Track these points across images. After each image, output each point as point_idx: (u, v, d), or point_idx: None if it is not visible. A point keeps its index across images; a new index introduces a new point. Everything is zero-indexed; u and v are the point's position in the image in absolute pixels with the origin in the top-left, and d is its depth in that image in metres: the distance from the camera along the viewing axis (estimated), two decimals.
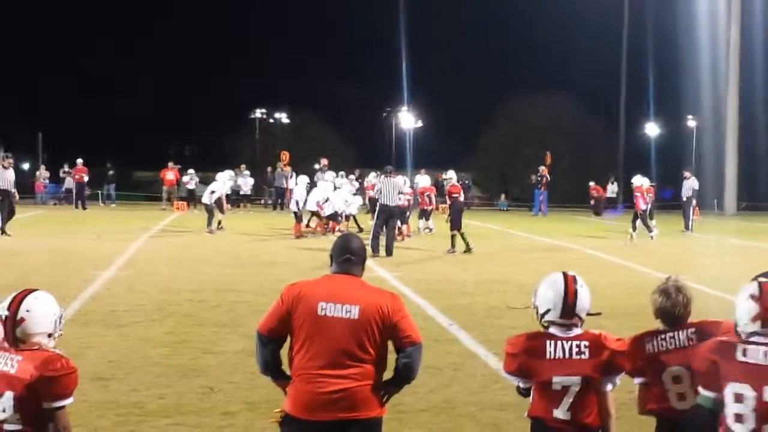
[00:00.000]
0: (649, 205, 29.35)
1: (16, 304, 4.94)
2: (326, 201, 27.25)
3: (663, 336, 5.29)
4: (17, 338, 4.91)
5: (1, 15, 49.55)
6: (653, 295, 5.39)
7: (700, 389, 4.72)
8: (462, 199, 24.29)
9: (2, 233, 25.55)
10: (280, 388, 5.51)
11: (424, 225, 30.33)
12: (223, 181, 29.98)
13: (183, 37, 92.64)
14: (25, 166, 52.22)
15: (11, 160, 27.67)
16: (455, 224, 23.26)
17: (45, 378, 4.80)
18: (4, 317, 4.93)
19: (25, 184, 41.52)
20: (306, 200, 27.74)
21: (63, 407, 4.89)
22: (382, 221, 22.57)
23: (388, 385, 5.41)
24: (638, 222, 28.59)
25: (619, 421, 5.38)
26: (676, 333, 5.28)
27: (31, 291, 5.07)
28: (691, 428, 5.00)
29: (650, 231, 28.41)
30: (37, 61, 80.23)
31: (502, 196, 57.67)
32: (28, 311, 4.93)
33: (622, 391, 5.69)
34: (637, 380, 5.31)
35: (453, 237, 23.27)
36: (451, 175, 25.17)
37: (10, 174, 26.87)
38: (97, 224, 31.42)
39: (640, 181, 29.21)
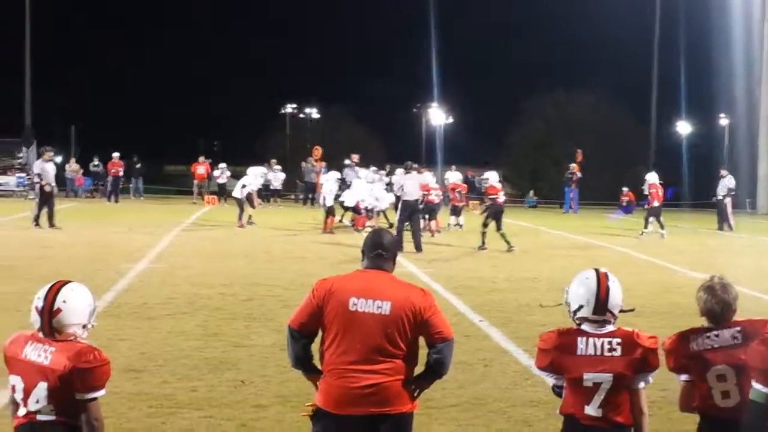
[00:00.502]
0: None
1: (52, 294, 4.97)
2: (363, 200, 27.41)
3: (708, 334, 5.25)
4: (53, 329, 4.94)
5: (36, 7, 49.79)
6: (699, 293, 5.36)
7: (754, 384, 4.73)
8: (502, 200, 23.90)
9: (37, 225, 25.70)
10: (311, 382, 5.53)
11: (455, 221, 30.28)
12: (255, 176, 30.10)
13: (216, 31, 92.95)
14: (59, 159, 52.49)
15: (51, 153, 27.86)
16: (498, 225, 23.05)
17: (78, 369, 4.82)
18: (40, 308, 4.96)
19: (59, 177, 41.74)
20: (336, 196, 27.78)
21: (95, 399, 4.91)
22: (406, 217, 22.47)
23: (420, 380, 5.43)
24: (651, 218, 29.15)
25: (652, 418, 5.34)
26: (721, 331, 5.24)
27: (66, 282, 5.09)
28: (736, 426, 4.97)
29: (646, 227, 29.08)
30: (70, 53, 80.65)
31: (531, 193, 57.52)
32: (64, 302, 4.96)
33: (654, 388, 5.66)
34: (681, 378, 5.27)
35: (483, 234, 23.14)
36: (488, 176, 24.79)
37: (51, 167, 27.04)
38: (128, 217, 31.60)
39: (654, 178, 29.61)
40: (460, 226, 30.02)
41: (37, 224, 25.75)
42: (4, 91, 64.47)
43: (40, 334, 4.97)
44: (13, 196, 46.19)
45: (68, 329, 4.97)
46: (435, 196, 27.01)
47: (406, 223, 22.61)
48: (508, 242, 23.06)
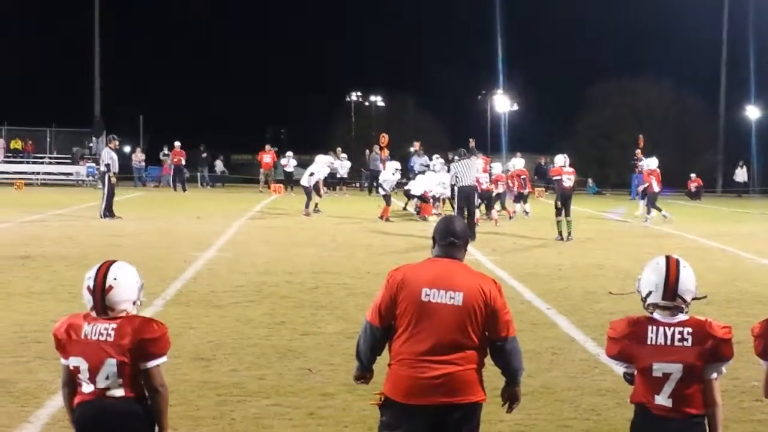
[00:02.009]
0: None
1: (102, 273, 5.08)
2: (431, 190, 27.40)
3: None
4: (106, 306, 5.05)
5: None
6: None
7: None
8: (568, 184, 23.07)
9: (111, 215, 25.94)
10: (357, 373, 5.59)
11: (521, 208, 30.10)
12: (323, 164, 30.19)
13: (280, 20, 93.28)
14: (127, 148, 53.16)
15: (117, 142, 28.18)
16: (566, 211, 22.51)
17: (144, 340, 4.98)
18: (92, 287, 5.06)
19: (125, 166, 42.30)
20: (401, 184, 27.83)
21: (158, 366, 5.06)
22: (462, 204, 21.91)
23: (507, 393, 5.50)
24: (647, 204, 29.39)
25: (723, 408, 5.23)
26: None
27: (114, 261, 5.21)
28: None
29: (649, 213, 29.17)
30: (138, 44, 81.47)
31: (589, 180, 56.78)
32: (115, 279, 5.07)
33: (725, 377, 5.57)
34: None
35: (558, 223, 22.63)
36: (556, 160, 24.40)
37: (115, 156, 27.34)
38: (195, 206, 31.90)
39: (655, 164, 29.70)
40: (527, 213, 29.82)
41: (112, 215, 25.96)
42: (74, 81, 65.46)
43: (93, 314, 5.08)
44: (83, 185, 46.91)
45: (120, 305, 5.08)
46: (487, 184, 26.77)
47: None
48: (565, 231, 22.47)
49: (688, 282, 5.08)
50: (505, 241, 22.15)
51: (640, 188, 30.18)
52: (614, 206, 27.32)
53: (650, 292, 5.08)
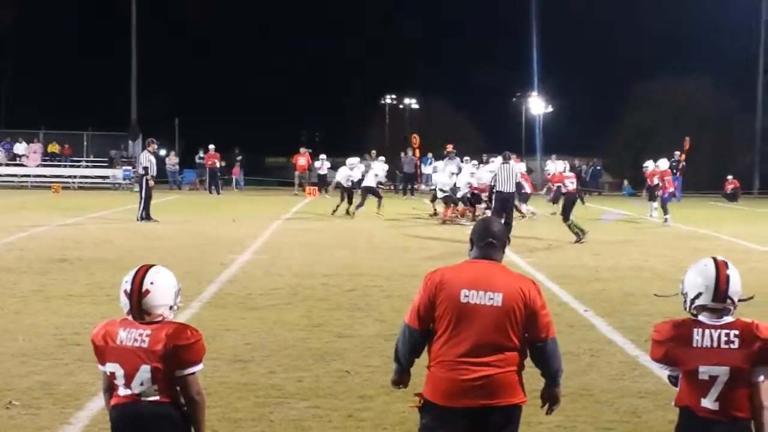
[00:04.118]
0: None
1: (140, 277, 5.07)
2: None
3: None
4: (142, 310, 5.05)
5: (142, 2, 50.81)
6: None
7: None
8: (571, 188, 23.21)
9: (149, 219, 26.11)
10: (395, 376, 5.56)
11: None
12: (383, 168, 30.20)
13: (314, 22, 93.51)
14: (162, 152, 53.47)
15: (155, 146, 28.32)
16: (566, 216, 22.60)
17: (178, 347, 4.96)
18: (129, 290, 5.06)
19: (160, 170, 42.55)
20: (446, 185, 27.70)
21: (195, 373, 5.05)
22: (500, 208, 21.73)
23: (546, 395, 5.47)
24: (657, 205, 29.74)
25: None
26: None
27: (151, 265, 5.20)
28: None
29: (651, 214, 29.75)
30: (175, 47, 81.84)
31: (625, 182, 56.33)
32: (152, 283, 5.06)
33: None
34: None
35: (570, 226, 22.48)
36: (557, 166, 25.08)
37: (154, 159, 27.45)
38: (231, 209, 32.01)
39: (665, 165, 30.23)
40: (534, 214, 29.71)
41: (149, 218, 26.13)
42: (110, 85, 65.87)
43: (130, 318, 5.08)
44: (120, 189, 47.20)
45: (157, 310, 5.08)
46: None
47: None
48: (578, 232, 22.31)
49: (736, 283, 5.02)
50: (542, 243, 22.06)
51: (660, 191, 30.09)
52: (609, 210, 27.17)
53: (699, 294, 5.01)
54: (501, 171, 21.99)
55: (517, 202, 27.45)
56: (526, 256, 19.15)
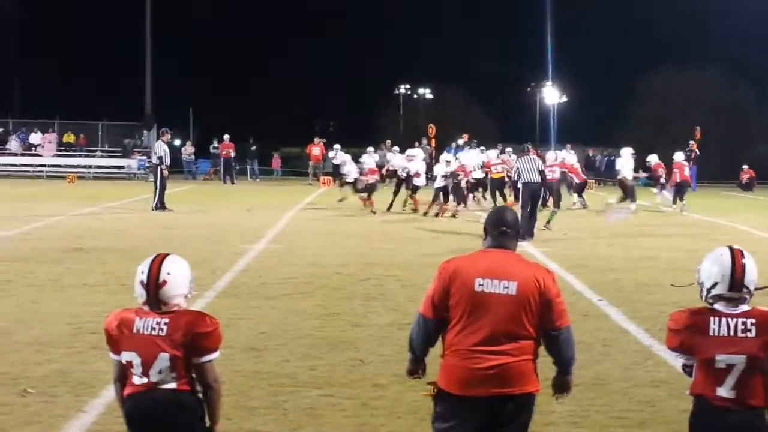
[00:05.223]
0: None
1: (156, 267, 5.09)
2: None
3: None
4: (159, 301, 5.07)
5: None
6: None
7: None
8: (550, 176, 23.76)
9: (163, 208, 26.18)
10: (410, 366, 5.58)
11: (578, 199, 29.95)
12: (420, 159, 29.45)
13: (329, 13, 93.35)
14: (176, 142, 53.51)
15: (169, 135, 28.38)
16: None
17: (196, 335, 5.00)
18: (146, 281, 5.08)
19: (175, 160, 42.63)
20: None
21: (211, 360, 5.08)
22: (527, 201, 21.08)
23: (558, 383, 5.47)
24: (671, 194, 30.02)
25: None
26: None
27: (166, 255, 5.21)
28: None
29: (674, 204, 29.66)
30: (188, 37, 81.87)
31: (640, 171, 55.93)
32: (169, 274, 5.08)
33: None
34: None
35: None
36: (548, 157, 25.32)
37: (167, 149, 27.53)
38: (245, 199, 32.06)
39: (680, 156, 30.64)
40: (585, 205, 29.62)
41: (164, 207, 26.20)
42: (125, 74, 65.88)
43: (146, 308, 5.10)
44: (135, 179, 47.29)
45: (173, 300, 5.10)
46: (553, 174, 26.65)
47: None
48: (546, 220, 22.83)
49: (752, 272, 5.01)
50: (556, 233, 22.01)
51: (671, 181, 30.22)
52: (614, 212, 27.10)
53: (715, 284, 5.00)
54: (522, 163, 21.51)
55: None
56: (540, 246, 19.13)
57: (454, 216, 25.48)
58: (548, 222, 22.68)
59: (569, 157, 30.62)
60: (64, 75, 72.92)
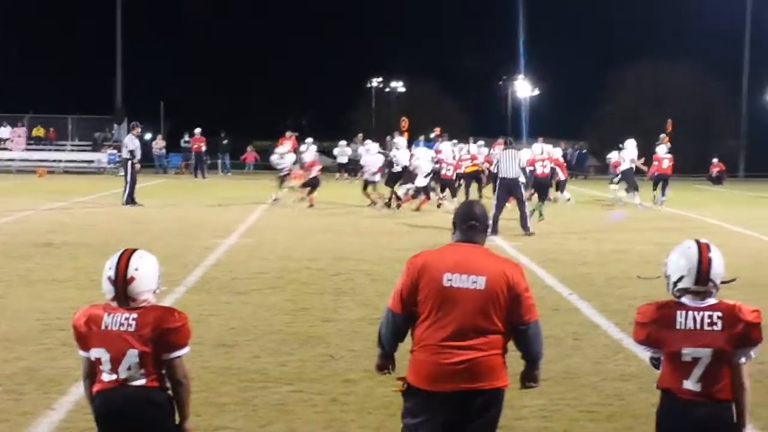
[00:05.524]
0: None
1: (124, 263, 5.03)
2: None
3: None
4: (128, 297, 5.02)
5: None
6: None
7: None
8: (540, 172, 24.41)
9: (133, 203, 26.05)
10: (379, 361, 5.56)
11: (561, 195, 29.93)
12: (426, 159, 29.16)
13: (298, 5, 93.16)
14: (148, 135, 53.23)
15: (139, 129, 28.25)
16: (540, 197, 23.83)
17: (165, 330, 4.96)
18: (113, 277, 5.02)
19: (146, 154, 42.45)
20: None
21: (181, 356, 5.05)
22: (503, 196, 21.02)
23: (527, 376, 5.46)
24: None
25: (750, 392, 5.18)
26: None
27: (134, 250, 5.16)
28: None
29: (663, 194, 29.88)
30: (160, 28, 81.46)
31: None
32: (137, 270, 5.03)
33: (752, 362, 5.49)
34: None
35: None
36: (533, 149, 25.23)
37: (138, 142, 27.40)
38: (216, 193, 31.95)
39: (663, 150, 30.80)
40: (569, 199, 29.50)
41: (134, 202, 26.07)
42: (95, 68, 65.56)
43: (114, 304, 5.05)
44: (105, 173, 47.04)
45: (142, 296, 5.06)
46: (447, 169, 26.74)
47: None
48: (540, 213, 23.16)
49: (718, 266, 5.03)
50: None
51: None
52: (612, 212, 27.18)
53: (682, 277, 5.02)
54: (503, 157, 21.37)
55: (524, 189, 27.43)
56: (511, 240, 19.17)
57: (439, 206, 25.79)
58: (535, 213, 22.91)
59: (555, 151, 30.53)
60: (34, 68, 72.34)
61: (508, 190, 20.93)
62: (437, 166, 26.97)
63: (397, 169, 27.53)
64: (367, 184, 27.78)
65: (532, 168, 24.05)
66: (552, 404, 7.89)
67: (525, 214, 20.65)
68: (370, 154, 28.67)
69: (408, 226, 21.66)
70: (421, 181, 25.94)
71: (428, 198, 26.23)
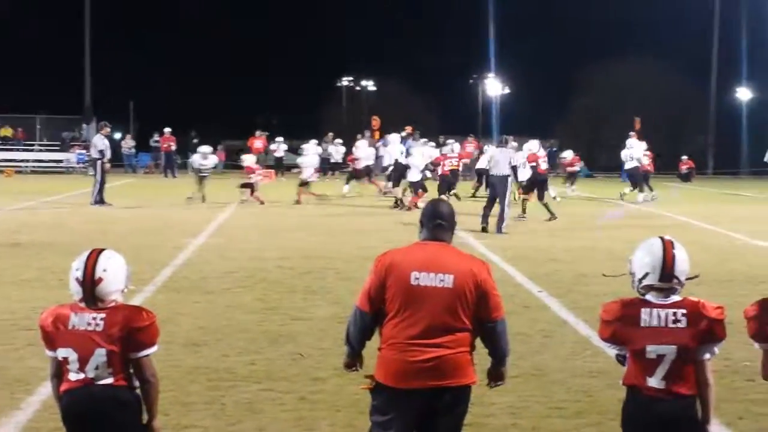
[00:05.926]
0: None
1: (91, 264, 5.00)
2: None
3: None
4: (96, 298, 4.99)
5: None
6: None
7: None
8: (544, 168, 24.63)
9: (103, 203, 25.91)
10: (347, 359, 5.57)
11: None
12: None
13: (269, 4, 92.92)
14: (117, 135, 52.98)
15: (109, 129, 28.11)
16: (540, 195, 23.75)
17: (133, 329, 4.95)
18: (81, 278, 4.99)
19: (115, 153, 42.26)
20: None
21: (149, 355, 5.04)
22: (493, 193, 21.03)
23: (494, 373, 5.48)
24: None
25: (715, 388, 5.20)
26: None
27: (101, 250, 5.12)
28: None
29: (651, 190, 30.74)
30: (128, 28, 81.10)
31: (581, 163, 55.98)
32: (104, 270, 5.00)
33: (716, 358, 5.52)
34: (763, 345, 4.96)
35: (524, 201, 23.64)
36: (531, 146, 25.07)
37: (108, 142, 27.26)
38: (186, 192, 31.79)
39: (645, 146, 31.51)
40: (554, 197, 29.53)
41: (103, 201, 25.92)
42: (63, 67, 65.17)
43: (82, 304, 5.02)
44: (74, 173, 46.76)
45: (110, 296, 5.03)
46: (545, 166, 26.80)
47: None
48: (550, 212, 23.10)
49: (683, 263, 5.05)
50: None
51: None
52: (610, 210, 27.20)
53: (646, 274, 5.04)
54: (495, 154, 21.53)
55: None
56: (481, 237, 19.21)
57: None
58: (524, 211, 23.32)
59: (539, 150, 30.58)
60: (1, 68, 71.79)
61: (494, 186, 21.11)
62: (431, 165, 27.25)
63: (390, 165, 28.61)
64: (303, 183, 28.28)
65: (534, 164, 24.01)
66: (521, 401, 7.91)
67: (504, 216, 20.55)
68: (308, 155, 28.89)
69: (379, 225, 21.66)
70: (414, 177, 25.95)
71: (425, 191, 26.20)
